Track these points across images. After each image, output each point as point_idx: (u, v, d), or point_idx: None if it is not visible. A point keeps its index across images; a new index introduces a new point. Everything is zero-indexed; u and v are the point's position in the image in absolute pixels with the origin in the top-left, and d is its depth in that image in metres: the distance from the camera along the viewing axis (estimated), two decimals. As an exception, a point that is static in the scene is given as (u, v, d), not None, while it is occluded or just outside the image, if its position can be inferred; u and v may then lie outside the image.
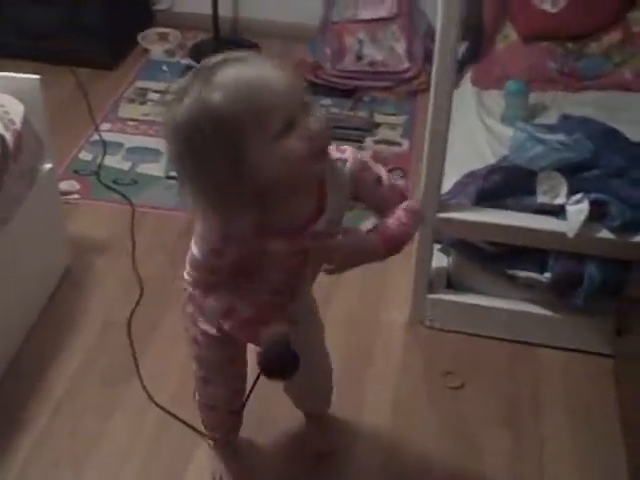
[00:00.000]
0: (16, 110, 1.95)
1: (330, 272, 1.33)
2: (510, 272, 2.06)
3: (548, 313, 2.09)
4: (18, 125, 1.93)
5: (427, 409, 1.97)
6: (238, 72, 1.15)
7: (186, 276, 1.39)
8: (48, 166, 2.15)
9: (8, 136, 1.88)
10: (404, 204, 1.37)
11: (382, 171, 1.37)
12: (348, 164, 1.31)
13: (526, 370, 2.07)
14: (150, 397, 1.95)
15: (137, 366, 2.03)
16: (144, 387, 1.97)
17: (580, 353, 2.09)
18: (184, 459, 1.84)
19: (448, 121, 1.87)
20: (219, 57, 1.17)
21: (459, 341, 2.14)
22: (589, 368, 2.06)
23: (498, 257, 2.06)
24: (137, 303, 2.21)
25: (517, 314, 2.11)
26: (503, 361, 2.09)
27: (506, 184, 2.01)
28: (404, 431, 1.92)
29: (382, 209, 1.38)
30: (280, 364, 1.23)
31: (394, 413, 1.95)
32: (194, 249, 1.33)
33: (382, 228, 1.36)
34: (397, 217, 1.35)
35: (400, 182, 1.34)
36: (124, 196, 2.63)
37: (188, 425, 1.87)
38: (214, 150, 1.14)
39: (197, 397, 1.70)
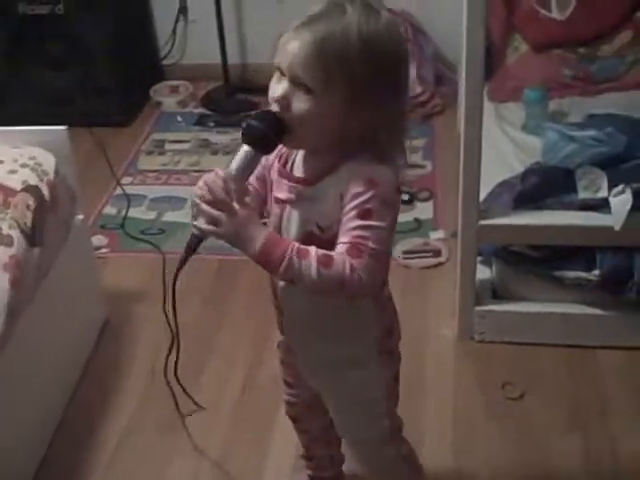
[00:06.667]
0: (48, 161, 1.95)
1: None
2: (557, 274, 2.02)
3: (601, 312, 2.04)
4: (51, 176, 1.92)
5: (489, 422, 1.91)
6: None
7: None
8: (79, 217, 2.14)
9: (43, 187, 1.88)
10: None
11: (375, 229, 1.13)
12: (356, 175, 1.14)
13: (586, 373, 2.01)
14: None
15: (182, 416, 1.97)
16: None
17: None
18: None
19: (480, 123, 1.86)
20: None
21: (512, 351, 2.09)
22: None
23: (543, 260, 2.02)
24: (169, 349, 2.17)
25: (569, 317, 2.06)
26: (561, 367, 2.04)
27: (544, 185, 1.99)
28: (467, 445, 1.86)
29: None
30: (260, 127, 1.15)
31: (455, 428, 1.90)
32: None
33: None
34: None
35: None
36: (153, 244, 2.61)
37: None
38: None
39: None
